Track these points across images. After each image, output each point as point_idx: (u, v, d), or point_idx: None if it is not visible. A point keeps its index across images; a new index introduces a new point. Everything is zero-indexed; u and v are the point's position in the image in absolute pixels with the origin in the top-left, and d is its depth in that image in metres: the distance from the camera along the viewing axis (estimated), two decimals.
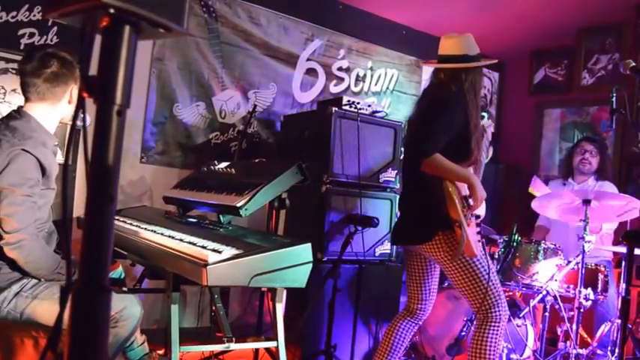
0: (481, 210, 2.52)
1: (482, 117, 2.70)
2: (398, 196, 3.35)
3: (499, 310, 2.44)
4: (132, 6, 0.74)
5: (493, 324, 2.43)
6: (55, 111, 2.18)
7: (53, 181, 2.16)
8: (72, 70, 2.14)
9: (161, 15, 0.77)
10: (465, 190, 2.40)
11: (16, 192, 1.96)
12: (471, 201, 2.38)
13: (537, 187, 4.00)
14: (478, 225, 2.44)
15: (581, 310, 3.11)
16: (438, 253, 2.41)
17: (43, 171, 2.07)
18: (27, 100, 2.16)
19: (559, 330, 3.25)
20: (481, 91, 2.55)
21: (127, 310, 2.09)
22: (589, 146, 3.95)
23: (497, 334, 2.43)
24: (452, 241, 2.37)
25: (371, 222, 2.99)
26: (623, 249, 3.35)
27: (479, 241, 2.40)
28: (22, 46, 3.19)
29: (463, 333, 3.07)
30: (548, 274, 3.29)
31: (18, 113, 2.14)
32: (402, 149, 2.78)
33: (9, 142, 2.00)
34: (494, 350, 2.41)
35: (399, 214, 2.74)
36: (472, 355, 2.43)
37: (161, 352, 2.77)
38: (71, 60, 2.14)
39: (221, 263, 1.71)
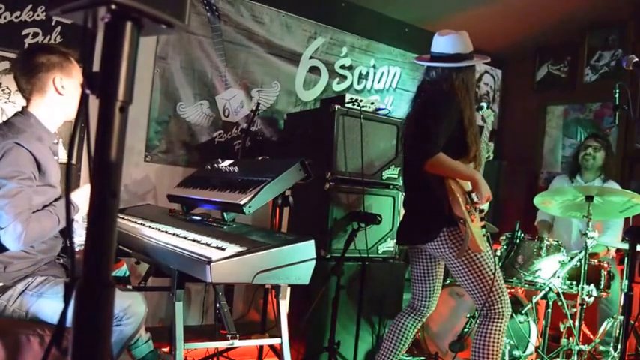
0: (484, 204, 2.52)
1: (482, 107, 2.71)
2: (401, 195, 3.37)
3: (502, 307, 2.44)
4: (133, 2, 0.74)
5: (496, 320, 2.43)
6: (51, 106, 2.14)
7: (51, 178, 2.12)
8: (50, 58, 2.10)
9: (162, 11, 0.77)
10: (468, 185, 2.41)
11: (8, 184, 1.94)
12: (474, 197, 2.39)
13: None
14: (482, 219, 2.45)
15: (584, 306, 3.11)
16: (443, 249, 2.42)
17: (39, 166, 2.03)
18: (25, 100, 2.17)
19: (562, 326, 3.24)
20: (474, 88, 2.55)
21: (131, 307, 2.09)
22: (593, 142, 4.00)
23: (500, 331, 2.43)
24: (457, 237, 2.39)
25: (374, 219, 2.99)
26: (625, 245, 3.34)
27: (484, 235, 2.41)
28: (26, 46, 3.19)
29: (466, 330, 3.07)
30: (550, 270, 3.29)
31: (21, 112, 2.15)
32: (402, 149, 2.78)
33: (3, 136, 2.00)
34: (497, 347, 2.42)
35: (403, 212, 2.75)
36: (475, 351, 2.44)
37: (166, 349, 2.78)
38: (51, 48, 2.11)
39: (225, 260, 1.71)
